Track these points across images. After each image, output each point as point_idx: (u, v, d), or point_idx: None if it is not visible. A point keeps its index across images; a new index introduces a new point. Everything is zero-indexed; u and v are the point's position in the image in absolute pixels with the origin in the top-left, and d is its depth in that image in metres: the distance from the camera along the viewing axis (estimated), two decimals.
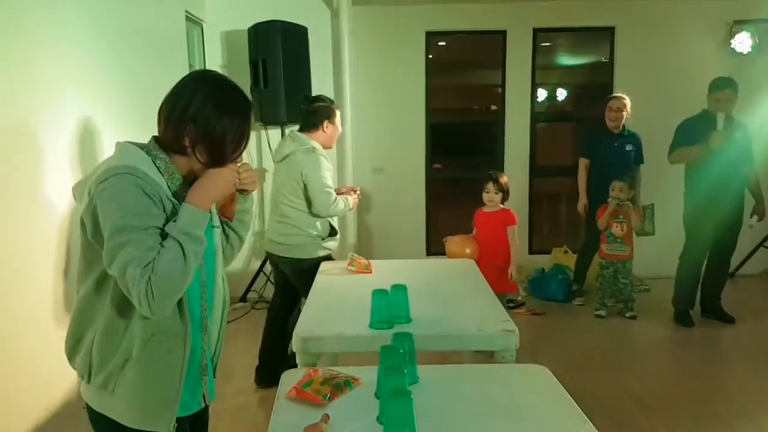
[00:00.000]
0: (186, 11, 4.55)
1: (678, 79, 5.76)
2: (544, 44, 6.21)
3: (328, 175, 3.43)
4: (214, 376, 1.73)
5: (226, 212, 1.68)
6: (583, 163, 5.21)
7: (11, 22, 2.29)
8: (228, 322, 4.39)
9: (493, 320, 2.39)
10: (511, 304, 5.07)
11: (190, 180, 1.52)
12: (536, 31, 5.96)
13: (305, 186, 3.40)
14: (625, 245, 4.72)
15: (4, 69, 2.22)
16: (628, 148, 5.09)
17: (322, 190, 3.38)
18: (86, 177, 1.47)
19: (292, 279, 3.60)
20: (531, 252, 6.14)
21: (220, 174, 1.50)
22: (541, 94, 6.58)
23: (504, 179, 4.09)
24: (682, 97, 5.18)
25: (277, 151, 3.59)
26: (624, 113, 5.04)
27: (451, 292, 2.88)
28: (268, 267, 5.21)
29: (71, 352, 1.51)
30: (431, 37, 5.99)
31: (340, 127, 3.61)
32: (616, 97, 5.12)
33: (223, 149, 1.49)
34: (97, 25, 3.02)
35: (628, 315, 4.79)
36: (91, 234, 1.40)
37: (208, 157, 1.49)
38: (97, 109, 2.94)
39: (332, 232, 3.56)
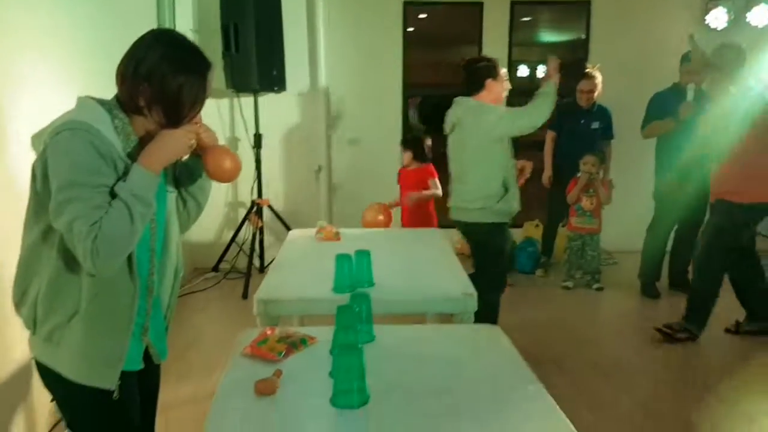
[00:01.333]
0: None
1: (652, 55, 5.77)
2: (524, 19, 6.19)
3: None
4: (166, 338, 1.73)
5: (210, 168, 1.60)
6: (549, 136, 5.26)
7: None
8: (198, 291, 4.38)
9: (454, 284, 2.42)
10: None
11: (146, 143, 1.49)
12: (514, 4, 5.93)
13: (490, 133, 3.28)
14: (593, 218, 4.79)
15: None
16: (595, 125, 5.10)
17: (501, 115, 3.29)
18: (44, 128, 1.44)
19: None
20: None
21: (173, 135, 1.47)
22: (523, 70, 6.58)
23: (420, 139, 4.38)
24: (656, 73, 5.19)
25: (447, 122, 3.51)
26: (595, 93, 5.03)
27: (415, 259, 2.91)
28: (240, 237, 5.20)
29: (18, 303, 1.50)
30: (409, 7, 5.93)
31: (507, 83, 3.46)
32: (586, 79, 5.06)
33: (178, 109, 1.47)
34: None
35: (594, 287, 4.86)
36: (40, 185, 1.39)
37: (164, 117, 1.47)
38: (62, 70, 2.89)
39: (504, 195, 3.40)
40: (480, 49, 6.01)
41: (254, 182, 5.13)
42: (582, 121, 5.10)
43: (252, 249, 5.06)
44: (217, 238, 5.38)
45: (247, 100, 5.11)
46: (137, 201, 1.38)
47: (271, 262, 5.17)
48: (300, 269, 2.75)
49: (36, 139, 1.44)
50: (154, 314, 1.62)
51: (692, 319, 3.88)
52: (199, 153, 1.59)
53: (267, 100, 5.13)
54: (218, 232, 5.43)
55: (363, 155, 6.06)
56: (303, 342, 1.85)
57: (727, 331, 4.00)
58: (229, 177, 1.65)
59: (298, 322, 2.85)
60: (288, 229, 4.98)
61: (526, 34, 6.52)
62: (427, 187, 4.28)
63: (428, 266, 2.78)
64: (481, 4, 5.89)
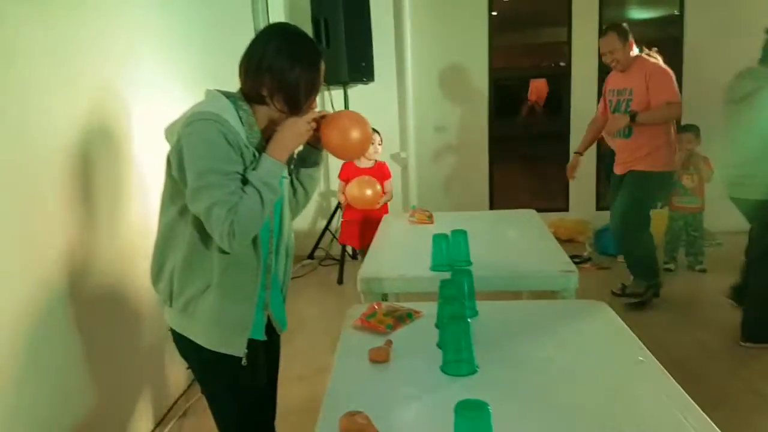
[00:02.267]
0: None
1: (751, 31, 5.45)
2: None
3: None
4: (285, 310, 1.84)
5: (324, 142, 1.65)
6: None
7: None
8: (296, 278, 4.52)
9: (553, 262, 2.41)
10: (576, 260, 5.04)
11: (268, 134, 1.61)
12: None
13: None
14: (695, 197, 4.62)
15: (84, 32, 2.39)
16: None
17: None
18: (176, 120, 1.57)
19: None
20: (598, 208, 6.05)
21: (295, 126, 1.58)
22: None
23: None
24: (756, 50, 4.92)
25: (731, 89, 3.41)
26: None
27: (512, 239, 2.92)
28: (333, 225, 5.35)
29: (155, 279, 1.64)
30: None
31: None
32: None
33: (297, 97, 1.57)
34: None
35: (698, 268, 4.69)
36: (177, 171, 1.51)
37: (285, 105, 1.58)
38: (169, 68, 3.09)
39: None
40: (569, 30, 5.90)
41: None
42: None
43: None
44: (311, 227, 5.57)
45: (336, 92, 5.24)
46: (267, 188, 1.50)
47: (365, 247, 5.34)
48: (397, 250, 2.82)
49: (169, 131, 1.58)
50: (273, 289, 1.74)
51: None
52: (313, 143, 1.68)
53: (356, 91, 5.25)
54: (312, 221, 5.61)
55: (449, 142, 6.10)
56: (409, 316, 1.92)
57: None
58: (356, 148, 1.68)
59: (395, 299, 2.93)
60: None
61: (617, 11, 6.32)
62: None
63: (525, 245, 2.78)
64: None
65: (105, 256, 2.44)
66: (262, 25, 5.00)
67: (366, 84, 5.18)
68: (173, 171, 1.52)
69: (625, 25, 3.94)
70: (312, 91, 1.60)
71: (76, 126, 2.26)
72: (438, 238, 2.43)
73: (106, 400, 2.38)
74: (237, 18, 4.27)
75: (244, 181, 1.50)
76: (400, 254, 2.74)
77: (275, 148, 1.56)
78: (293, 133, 1.58)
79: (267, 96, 1.56)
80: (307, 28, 4.86)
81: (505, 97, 6.26)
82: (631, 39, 3.88)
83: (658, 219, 5.02)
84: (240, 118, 1.55)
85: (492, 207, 6.14)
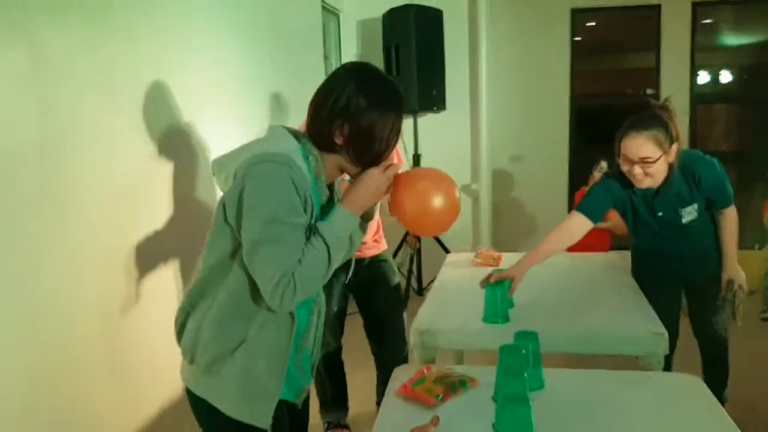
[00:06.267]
0: (322, 2, 4.60)
1: None
2: (705, 21, 5.60)
3: None
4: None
5: (395, 208, 1.46)
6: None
7: (164, 14, 2.47)
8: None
9: (639, 320, 2.10)
10: None
11: (329, 182, 1.45)
12: (695, 5, 5.37)
13: None
14: None
15: (154, 64, 2.36)
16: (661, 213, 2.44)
17: None
18: (228, 154, 1.39)
19: None
20: None
21: (375, 181, 1.39)
22: (703, 76, 5.94)
23: None
24: None
25: None
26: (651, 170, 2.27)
27: (590, 288, 2.59)
28: (398, 259, 5.15)
29: (179, 330, 1.45)
30: (578, 15, 5.61)
31: None
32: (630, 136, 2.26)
33: (372, 145, 1.39)
34: (236, 16, 3.11)
35: None
36: (233, 218, 1.32)
37: (361, 155, 1.40)
38: (238, 97, 3.05)
39: None
40: (658, 55, 5.52)
41: None
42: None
43: (410, 271, 5.00)
44: None
45: (406, 121, 5.08)
46: (339, 244, 1.33)
47: (430, 283, 5.09)
48: (458, 298, 2.55)
49: (219, 165, 1.40)
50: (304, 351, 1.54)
51: None
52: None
53: (426, 120, 5.07)
54: None
55: (526, 172, 5.80)
56: (462, 384, 1.67)
57: None
58: (435, 222, 1.46)
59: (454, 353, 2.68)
60: (446, 251, 4.85)
61: (709, 37, 5.90)
62: None
63: (605, 297, 2.45)
64: (659, 6, 5.40)
65: None
66: (332, 52, 4.93)
67: (437, 113, 5.00)
68: (228, 217, 1.33)
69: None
70: (391, 139, 1.41)
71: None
72: (492, 287, 2.17)
73: None
74: (307, 47, 4.17)
75: (310, 233, 1.32)
76: (459, 303, 2.47)
77: (354, 201, 1.37)
78: (373, 189, 1.39)
79: (340, 144, 1.38)
80: (378, 55, 4.75)
81: (587, 125, 5.92)
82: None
83: (757, 262, 4.55)
84: (308, 163, 1.37)
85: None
